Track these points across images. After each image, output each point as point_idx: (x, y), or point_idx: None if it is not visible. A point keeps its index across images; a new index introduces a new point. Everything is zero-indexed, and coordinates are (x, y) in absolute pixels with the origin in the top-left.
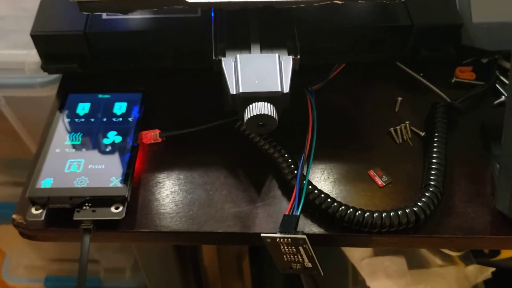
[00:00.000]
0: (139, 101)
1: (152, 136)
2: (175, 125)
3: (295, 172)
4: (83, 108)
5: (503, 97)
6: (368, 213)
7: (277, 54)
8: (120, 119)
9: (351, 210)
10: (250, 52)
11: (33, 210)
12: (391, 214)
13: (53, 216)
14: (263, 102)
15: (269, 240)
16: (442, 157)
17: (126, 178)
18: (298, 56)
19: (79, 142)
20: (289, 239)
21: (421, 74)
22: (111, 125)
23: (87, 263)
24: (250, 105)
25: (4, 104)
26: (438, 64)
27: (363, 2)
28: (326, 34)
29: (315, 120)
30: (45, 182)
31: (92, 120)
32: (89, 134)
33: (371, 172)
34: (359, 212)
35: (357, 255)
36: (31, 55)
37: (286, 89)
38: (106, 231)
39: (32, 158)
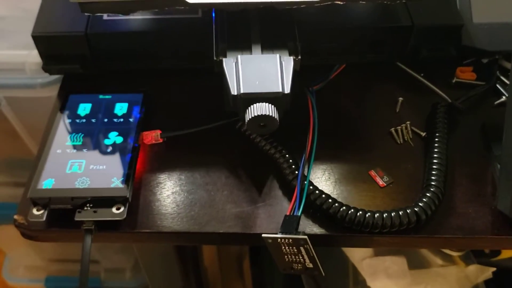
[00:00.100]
0: (140, 102)
1: (153, 136)
2: (176, 126)
3: (296, 172)
4: (84, 108)
5: (503, 97)
6: (369, 214)
7: (278, 55)
8: (121, 119)
9: (352, 210)
10: (251, 53)
11: (35, 211)
12: (392, 214)
13: (55, 216)
14: (264, 103)
15: (270, 241)
16: (443, 157)
17: (127, 178)
18: (299, 57)
19: (80, 143)
20: (290, 240)
21: (422, 75)
22: (112, 125)
23: (89, 263)
24: (251, 106)
25: (5, 105)
26: (438, 64)
27: (363, 2)
28: (327, 35)
29: (315, 120)
30: (47, 182)
31: (93, 120)
32: (90, 135)
33: (372, 173)
34: (360, 212)
35: (358, 255)
36: (32, 56)
37: (287, 90)
38: (107, 231)
39: (32, 158)
